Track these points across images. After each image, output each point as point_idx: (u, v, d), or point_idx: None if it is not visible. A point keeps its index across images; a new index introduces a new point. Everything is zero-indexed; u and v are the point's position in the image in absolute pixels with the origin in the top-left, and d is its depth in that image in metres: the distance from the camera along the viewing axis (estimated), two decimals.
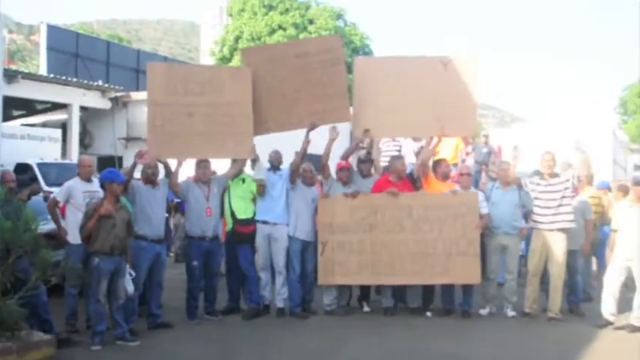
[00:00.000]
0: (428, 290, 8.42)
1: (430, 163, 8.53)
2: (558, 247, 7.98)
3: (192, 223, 7.88)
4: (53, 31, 23.64)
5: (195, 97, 7.76)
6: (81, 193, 7.34)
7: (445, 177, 8.47)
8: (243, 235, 8.17)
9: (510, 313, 8.27)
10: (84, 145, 20.06)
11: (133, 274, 6.91)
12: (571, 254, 8.20)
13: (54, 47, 23.18)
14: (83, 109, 19.63)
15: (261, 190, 8.10)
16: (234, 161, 8.22)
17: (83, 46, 24.56)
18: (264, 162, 8.31)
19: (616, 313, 7.70)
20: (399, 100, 8.21)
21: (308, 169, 8.30)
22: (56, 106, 19.60)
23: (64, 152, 17.66)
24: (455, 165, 10.66)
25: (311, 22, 36.03)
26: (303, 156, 8.12)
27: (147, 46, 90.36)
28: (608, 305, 7.70)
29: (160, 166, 7.65)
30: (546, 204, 8.05)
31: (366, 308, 8.49)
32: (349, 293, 8.65)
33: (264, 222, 8.12)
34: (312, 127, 8.10)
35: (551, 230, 8.02)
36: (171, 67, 8.15)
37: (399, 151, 10.10)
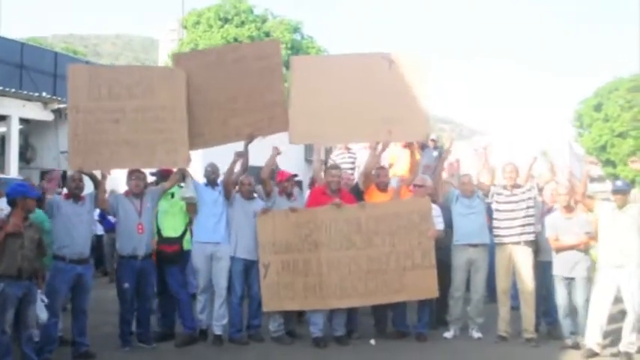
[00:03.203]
0: (379, 311, 7.74)
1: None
2: (526, 261, 7.41)
3: (122, 241, 7.11)
4: None
5: (122, 101, 7.01)
6: None
7: (384, 186, 7.85)
8: (167, 254, 7.42)
9: (476, 334, 7.65)
10: (25, 160, 19.00)
11: (45, 300, 6.12)
12: (544, 266, 7.54)
13: None
14: (24, 121, 18.62)
15: (192, 209, 7.43)
16: None
17: (29, 56, 23.30)
18: (197, 177, 7.61)
19: (602, 342, 6.90)
20: (341, 103, 7.54)
21: (246, 181, 7.59)
22: None
23: (1, 166, 16.67)
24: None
25: (267, 34, 35.42)
26: (243, 171, 7.51)
27: (105, 60, 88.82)
28: (594, 332, 6.86)
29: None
30: (510, 215, 7.49)
31: None
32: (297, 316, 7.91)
33: (206, 242, 7.40)
34: (250, 140, 7.47)
35: (517, 243, 7.44)
36: (94, 69, 7.35)
37: (354, 162, 9.41)
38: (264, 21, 36.97)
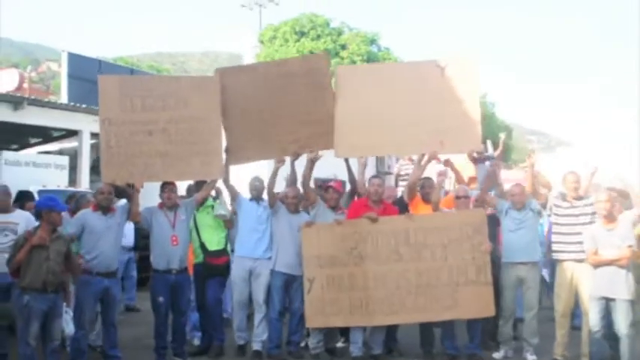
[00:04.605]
0: (426, 330, 7.23)
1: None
2: (589, 280, 6.64)
3: (156, 255, 6.93)
4: (74, 59, 23.31)
5: (155, 112, 6.83)
6: None
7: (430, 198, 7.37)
8: (215, 267, 7.27)
9: (530, 357, 7.03)
10: (97, 173, 19.40)
11: (71, 312, 6.03)
12: None
13: (75, 75, 22.81)
14: (95, 135, 19.04)
15: (230, 225, 7.30)
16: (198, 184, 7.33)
17: (106, 74, 24.12)
18: (227, 195, 7.43)
19: None
20: (390, 113, 7.07)
21: (291, 194, 7.31)
22: (71, 134, 19.08)
23: (73, 180, 17.07)
24: None
25: (343, 47, 35.34)
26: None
27: None
28: None
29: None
30: (570, 230, 6.84)
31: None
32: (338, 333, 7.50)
33: (245, 257, 7.21)
34: (295, 157, 7.25)
35: (580, 261, 6.76)
36: (125, 80, 7.21)
37: None
38: (339, 34, 36.80)
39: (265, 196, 7.34)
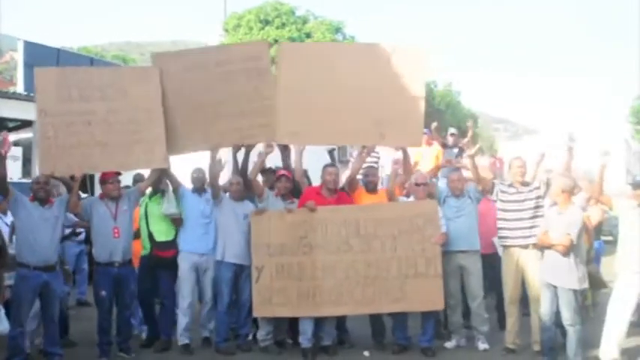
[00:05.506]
0: (376, 321, 7.14)
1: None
2: (535, 266, 6.63)
3: (97, 247, 6.76)
4: (31, 47, 22.70)
5: (94, 103, 6.65)
6: None
7: (374, 187, 7.28)
8: (162, 259, 7.10)
9: (482, 345, 6.99)
10: None
11: (2, 309, 5.79)
12: None
13: (32, 64, 22.17)
14: None
15: (177, 222, 7.11)
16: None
17: (65, 63, 23.54)
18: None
19: (619, 357, 6.20)
20: (332, 99, 6.88)
21: (235, 181, 7.14)
22: (26, 124, 18.63)
23: (28, 171, 16.69)
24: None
25: (308, 35, 35.04)
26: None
27: None
28: (610, 346, 6.18)
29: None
30: (516, 215, 6.77)
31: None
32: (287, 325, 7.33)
33: (191, 252, 7.05)
34: (237, 148, 7.18)
35: (526, 247, 6.72)
36: (63, 72, 6.99)
37: (377, 162, 8.79)
38: (305, 22, 36.43)
39: (208, 187, 7.21)
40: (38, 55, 22.87)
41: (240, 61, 6.91)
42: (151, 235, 7.15)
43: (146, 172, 7.27)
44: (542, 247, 6.39)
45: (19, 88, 21.77)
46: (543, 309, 6.34)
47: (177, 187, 7.11)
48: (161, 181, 7.09)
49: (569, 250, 6.09)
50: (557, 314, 6.30)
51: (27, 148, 16.96)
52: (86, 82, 6.74)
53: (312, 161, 7.90)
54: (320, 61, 7.08)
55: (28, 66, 22.28)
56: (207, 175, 7.17)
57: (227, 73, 6.86)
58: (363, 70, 6.96)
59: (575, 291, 6.14)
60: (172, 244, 7.15)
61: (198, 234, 7.04)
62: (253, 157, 7.29)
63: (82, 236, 9.27)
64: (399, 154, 7.57)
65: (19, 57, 22.62)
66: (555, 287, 6.22)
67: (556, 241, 6.14)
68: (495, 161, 10.88)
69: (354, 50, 7.38)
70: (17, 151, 15.89)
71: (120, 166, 6.87)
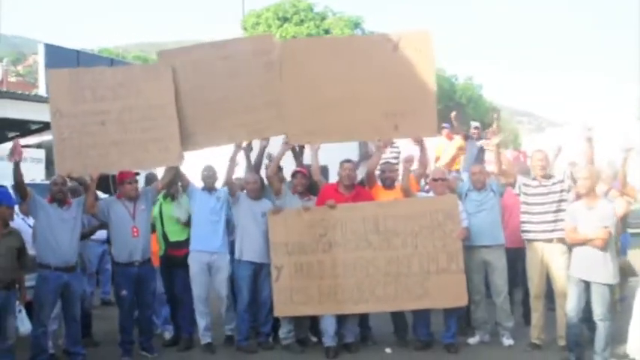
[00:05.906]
0: (399, 317, 7.07)
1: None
2: (560, 260, 6.53)
3: (117, 247, 6.78)
4: (51, 50, 22.94)
5: (107, 102, 6.67)
6: None
7: (391, 184, 7.18)
8: (177, 259, 7.09)
9: (507, 341, 6.89)
10: None
11: (23, 310, 5.84)
12: None
13: (52, 66, 22.38)
14: None
15: (188, 226, 7.13)
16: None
17: (85, 64, 23.72)
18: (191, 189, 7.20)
19: None
20: (341, 95, 6.77)
21: (252, 180, 7.10)
22: (49, 126, 18.82)
23: (51, 173, 16.84)
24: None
25: (327, 32, 34.91)
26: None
27: None
28: (636, 341, 6.03)
29: None
30: (540, 209, 6.65)
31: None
32: (309, 323, 7.30)
33: (201, 251, 7.00)
34: (249, 146, 7.25)
35: (550, 241, 6.60)
36: (75, 73, 6.96)
37: (397, 156, 8.65)
38: (323, 18, 36.35)
39: (218, 185, 7.17)
40: (58, 58, 23.12)
41: (246, 56, 6.87)
42: (165, 236, 7.18)
43: (158, 171, 7.27)
44: (573, 244, 6.22)
45: (41, 90, 22.01)
46: (571, 305, 6.18)
47: (186, 184, 7.09)
48: (175, 182, 7.09)
49: (607, 243, 5.94)
50: (584, 309, 6.17)
51: (49, 150, 17.02)
52: (99, 82, 6.75)
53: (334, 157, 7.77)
54: (324, 55, 6.98)
55: (49, 68, 22.56)
56: (217, 174, 7.18)
57: (232, 68, 6.83)
58: (370, 62, 6.86)
59: (610, 286, 6.00)
60: (185, 244, 7.11)
61: (208, 232, 7.00)
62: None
63: (105, 236, 9.30)
64: (409, 153, 7.45)
65: (40, 60, 22.84)
66: (586, 283, 6.06)
67: (592, 235, 5.96)
68: (519, 155, 10.78)
69: (358, 41, 7.25)
70: (40, 154, 15.91)
71: (136, 165, 6.89)
